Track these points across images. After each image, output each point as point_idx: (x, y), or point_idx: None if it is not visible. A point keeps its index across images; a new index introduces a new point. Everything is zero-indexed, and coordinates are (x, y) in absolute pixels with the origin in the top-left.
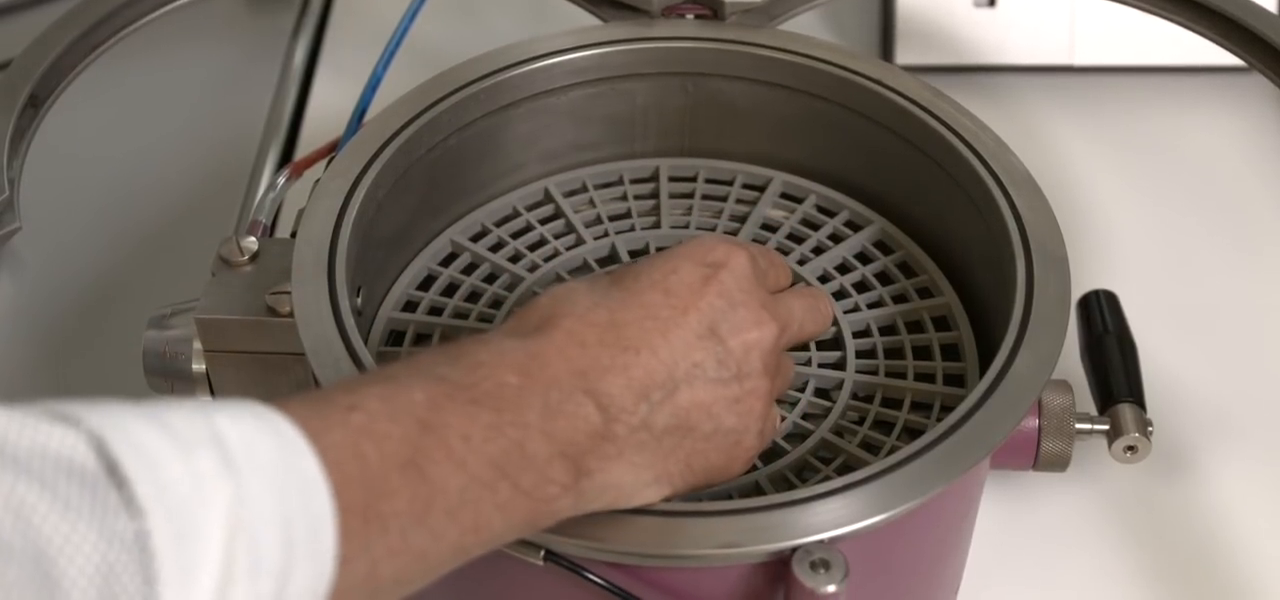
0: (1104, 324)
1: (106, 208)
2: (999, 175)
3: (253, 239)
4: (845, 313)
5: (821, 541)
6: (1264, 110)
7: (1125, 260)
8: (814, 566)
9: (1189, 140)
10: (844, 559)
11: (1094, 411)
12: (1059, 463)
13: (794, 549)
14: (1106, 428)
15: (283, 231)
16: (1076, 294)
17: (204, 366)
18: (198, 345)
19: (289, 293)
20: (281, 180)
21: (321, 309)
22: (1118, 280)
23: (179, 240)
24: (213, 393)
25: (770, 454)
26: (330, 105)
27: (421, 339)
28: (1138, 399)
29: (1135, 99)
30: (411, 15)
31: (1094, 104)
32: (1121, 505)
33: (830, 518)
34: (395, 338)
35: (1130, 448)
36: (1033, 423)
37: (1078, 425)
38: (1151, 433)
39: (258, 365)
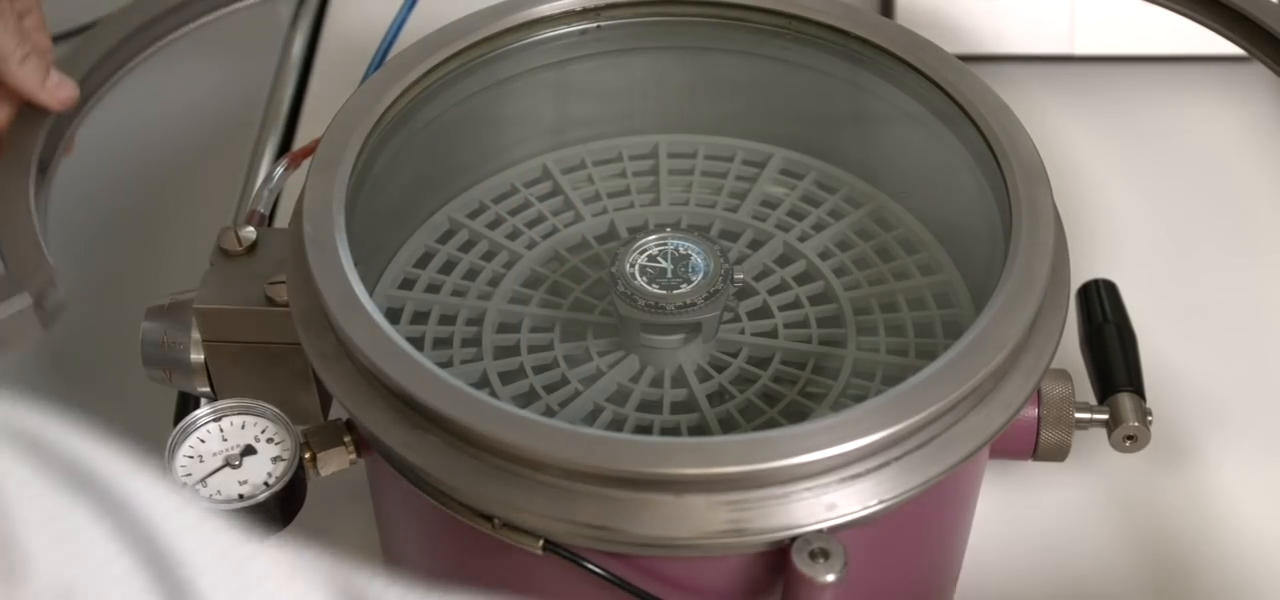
0: (1104, 313)
1: (104, 197)
2: (998, 156)
3: (251, 229)
4: (846, 290)
5: (821, 530)
6: (1264, 100)
7: (1125, 250)
8: (813, 556)
9: (1189, 130)
10: (843, 548)
11: (1093, 401)
12: (1058, 452)
13: (793, 538)
14: (1106, 417)
15: (281, 221)
16: (1076, 283)
17: (202, 357)
18: (196, 335)
19: (287, 282)
20: (279, 170)
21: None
22: (1117, 270)
23: (177, 230)
24: (212, 384)
25: (766, 427)
26: (328, 95)
27: (419, 317)
28: (1137, 388)
29: (1135, 88)
30: (409, 6)
31: (1094, 93)
32: (1121, 495)
33: (829, 507)
34: (392, 316)
35: (1130, 437)
36: (1032, 412)
37: (1077, 414)
38: (1151, 422)
39: (256, 355)
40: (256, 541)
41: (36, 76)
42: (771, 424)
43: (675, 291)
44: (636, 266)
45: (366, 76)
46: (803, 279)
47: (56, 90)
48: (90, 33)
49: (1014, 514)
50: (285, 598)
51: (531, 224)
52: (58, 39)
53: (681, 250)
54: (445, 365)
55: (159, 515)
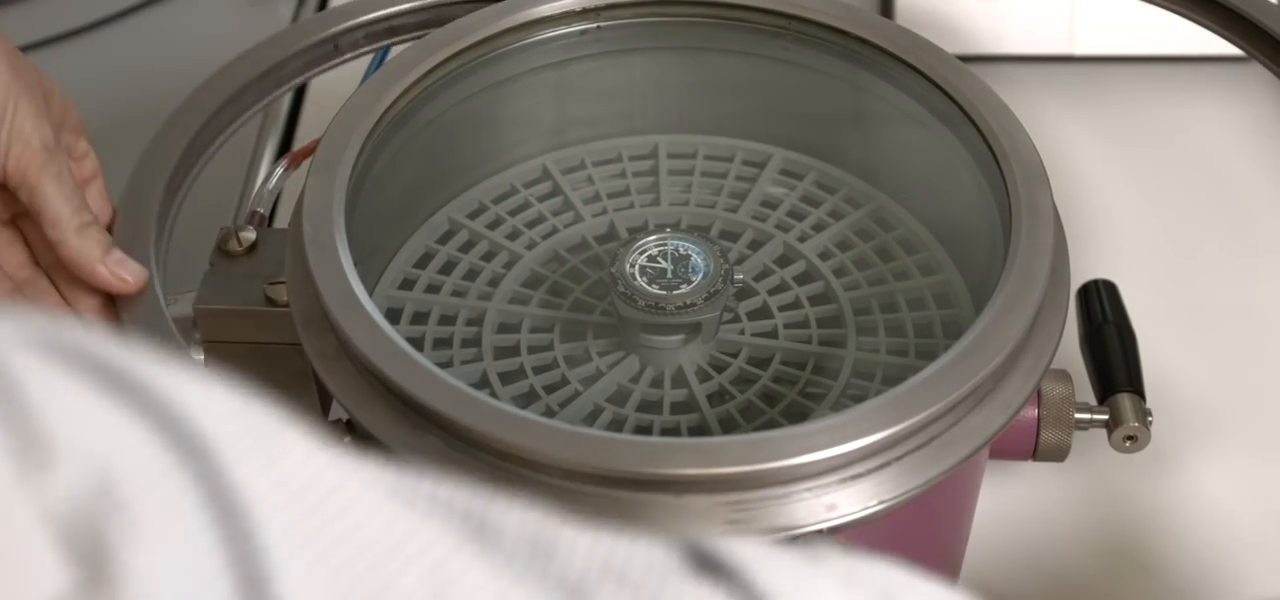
0: (1103, 314)
1: None
2: (998, 156)
3: (251, 229)
4: (846, 290)
5: (821, 531)
6: (1264, 100)
7: (1125, 250)
8: None
9: (1189, 130)
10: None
11: (1093, 401)
12: (1058, 453)
13: (793, 539)
14: (1106, 418)
15: (281, 221)
16: (1076, 283)
17: (202, 357)
18: (196, 335)
19: (287, 282)
20: (279, 170)
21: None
22: (1117, 270)
23: (176, 230)
24: None
25: (766, 428)
26: (328, 95)
27: (419, 317)
28: (1137, 389)
29: (1135, 89)
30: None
31: (1094, 94)
32: (1121, 495)
33: (829, 507)
34: (392, 316)
35: (1129, 438)
36: (1032, 413)
37: (1077, 415)
38: (1151, 423)
39: (255, 356)
40: (289, 424)
41: (97, 249)
42: (771, 424)
43: (675, 292)
44: (636, 267)
45: (366, 76)
46: (803, 279)
47: (117, 267)
48: (139, 165)
49: (1014, 514)
50: (321, 461)
51: (531, 224)
52: (56, 40)
53: (681, 250)
54: (445, 366)
55: (185, 399)
